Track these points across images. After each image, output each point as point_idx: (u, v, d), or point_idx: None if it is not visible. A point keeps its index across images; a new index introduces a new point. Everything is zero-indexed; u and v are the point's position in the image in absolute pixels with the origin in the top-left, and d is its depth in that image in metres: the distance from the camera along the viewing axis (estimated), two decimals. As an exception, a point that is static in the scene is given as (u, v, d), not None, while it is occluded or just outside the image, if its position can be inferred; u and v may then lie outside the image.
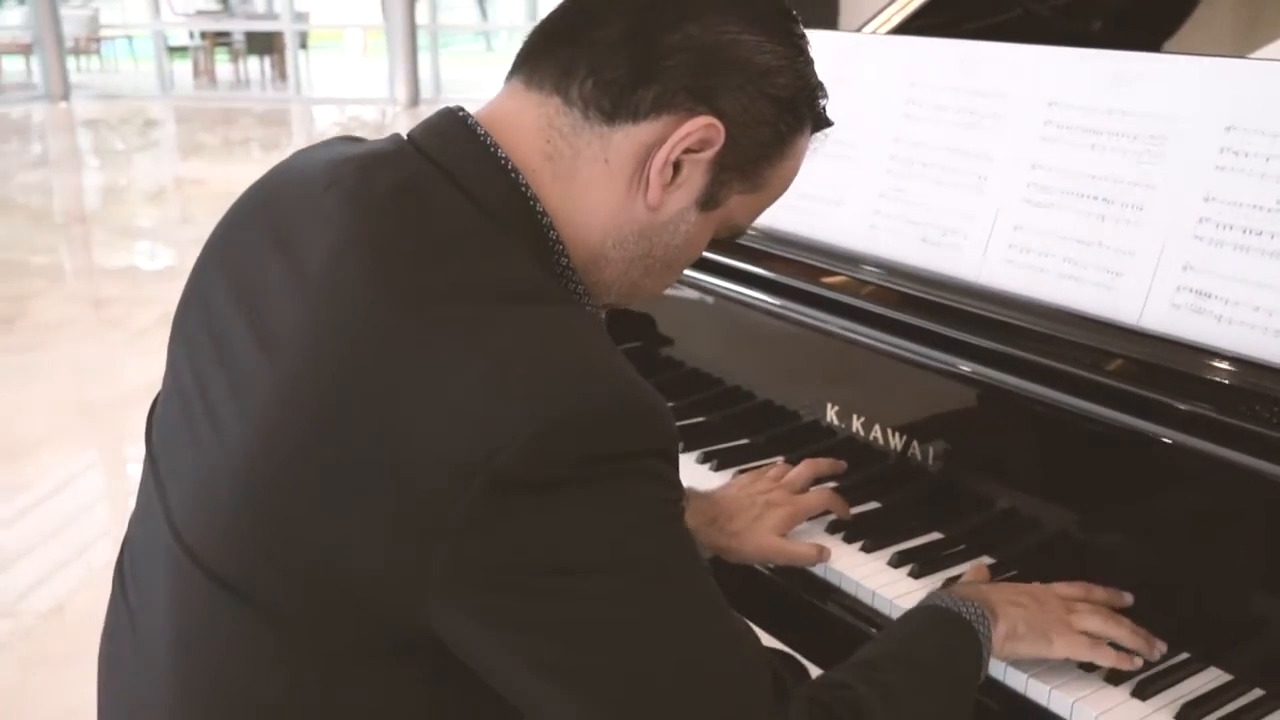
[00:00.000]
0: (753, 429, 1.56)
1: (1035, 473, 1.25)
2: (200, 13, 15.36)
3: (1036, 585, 1.13)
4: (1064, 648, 1.06)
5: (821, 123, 0.96)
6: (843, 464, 1.38)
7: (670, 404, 1.67)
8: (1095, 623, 1.07)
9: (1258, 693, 1.05)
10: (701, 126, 0.87)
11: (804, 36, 0.93)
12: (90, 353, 4.50)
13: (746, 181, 0.93)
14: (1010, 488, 1.26)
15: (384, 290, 0.79)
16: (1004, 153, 1.37)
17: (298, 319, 0.81)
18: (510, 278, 0.82)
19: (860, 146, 1.54)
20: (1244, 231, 1.14)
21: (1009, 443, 1.27)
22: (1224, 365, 1.10)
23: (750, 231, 1.38)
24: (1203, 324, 1.15)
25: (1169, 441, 1.08)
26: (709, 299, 1.60)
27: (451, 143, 0.87)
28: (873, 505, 1.38)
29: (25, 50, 13.26)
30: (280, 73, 13.68)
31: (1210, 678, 1.07)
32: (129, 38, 16.25)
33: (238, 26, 14.07)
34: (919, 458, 1.32)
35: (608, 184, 0.88)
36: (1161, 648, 1.09)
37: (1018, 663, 1.08)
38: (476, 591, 0.75)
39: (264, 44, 14.00)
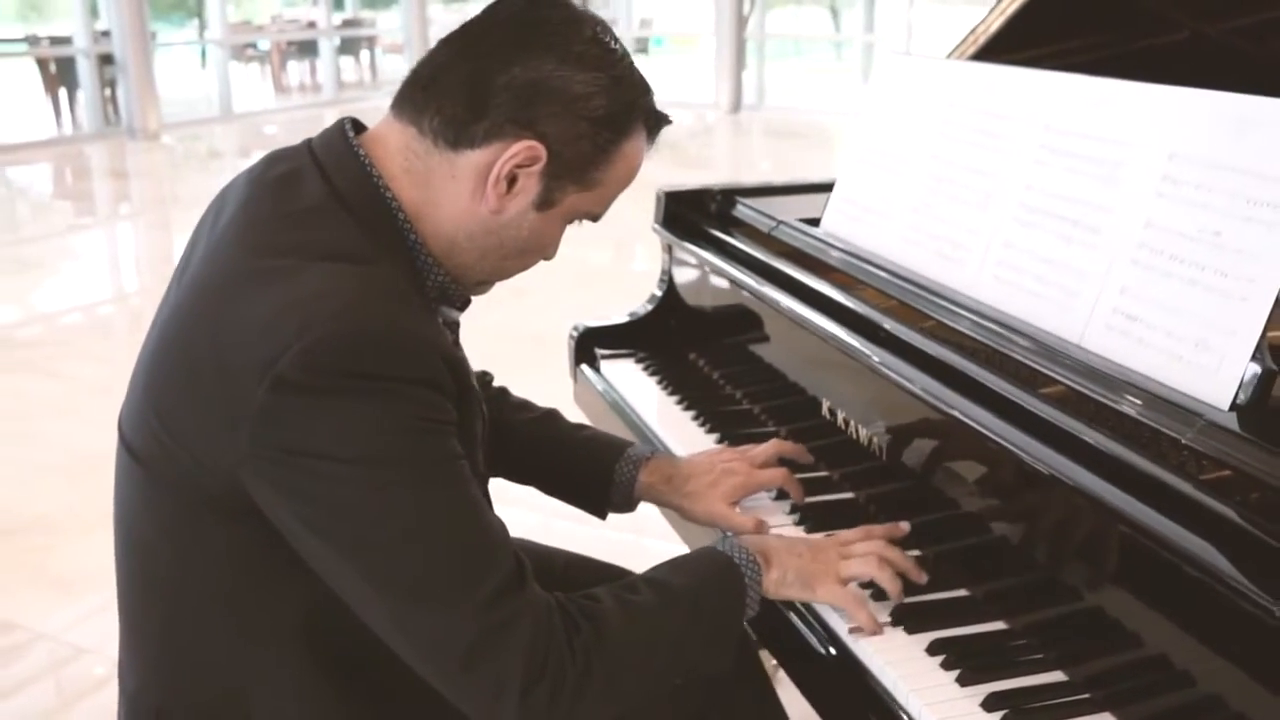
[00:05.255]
0: (779, 420, 1.68)
1: (984, 487, 1.29)
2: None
3: (822, 538, 1.26)
4: (825, 595, 1.19)
5: (657, 124, 1.15)
6: (809, 456, 1.48)
7: (732, 389, 1.81)
8: (857, 568, 1.20)
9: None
10: (523, 148, 1.08)
11: (618, 62, 1.11)
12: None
13: (580, 184, 1.13)
14: (958, 498, 1.31)
15: (243, 245, 1.06)
16: (1007, 173, 1.42)
17: (197, 262, 1.11)
18: (336, 244, 1.05)
19: (908, 162, 1.62)
20: (1170, 258, 1.17)
21: (966, 458, 1.32)
22: (1124, 390, 1.12)
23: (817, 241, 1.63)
24: (1125, 345, 1.18)
25: (1068, 476, 1.10)
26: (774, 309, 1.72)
27: (331, 147, 1.12)
28: (846, 495, 1.48)
29: (399, 50, 14.78)
30: (618, 76, 14.47)
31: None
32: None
33: (582, 32, 14.99)
34: (887, 459, 1.40)
35: (456, 194, 1.10)
36: (921, 580, 1.22)
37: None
38: (268, 465, 0.98)
39: (608, 48, 14.82)
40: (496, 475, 1.37)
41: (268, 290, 1.00)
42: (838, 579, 1.19)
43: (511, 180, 1.09)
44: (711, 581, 1.14)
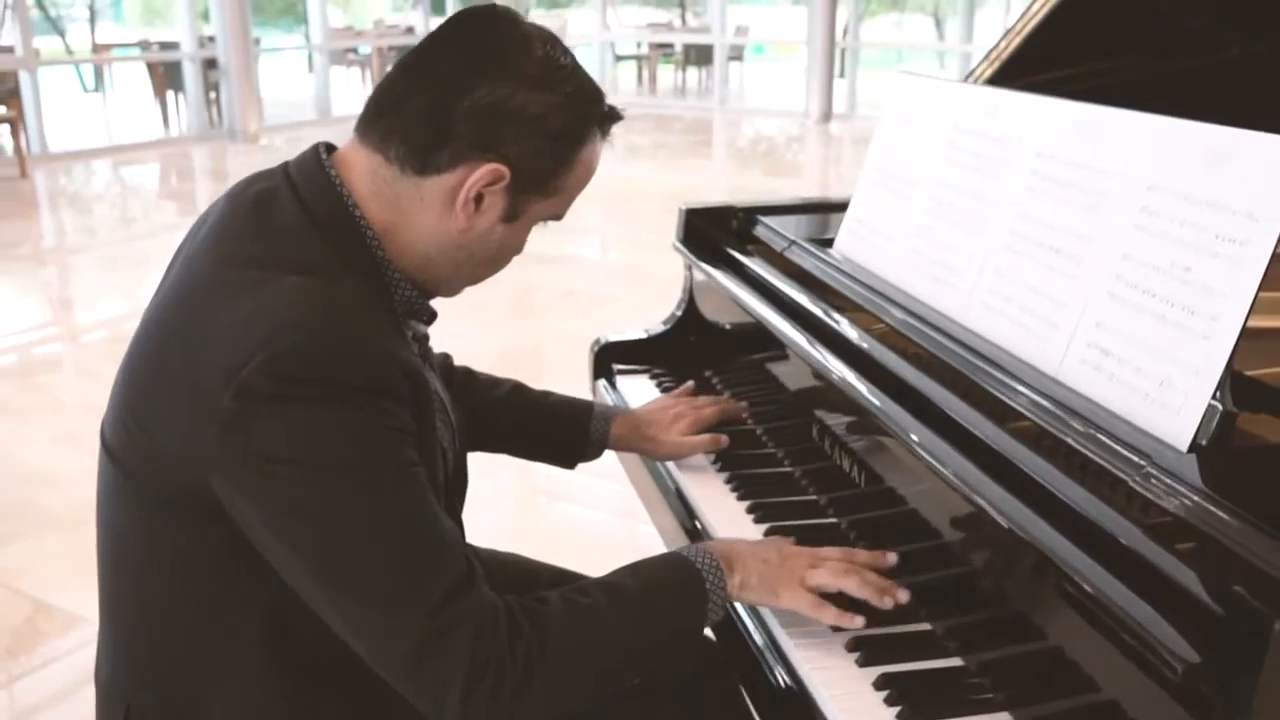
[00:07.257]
0: (779, 443, 1.67)
1: (951, 524, 1.26)
2: (651, 25, 16.56)
3: (796, 547, 1.26)
4: (789, 601, 1.20)
5: (609, 123, 1.18)
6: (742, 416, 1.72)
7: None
8: (824, 577, 1.20)
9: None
10: (487, 171, 1.12)
11: (569, 78, 1.14)
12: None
13: (542, 193, 1.17)
14: (931, 532, 1.30)
15: (216, 257, 1.11)
16: (1001, 198, 1.40)
17: (175, 274, 1.16)
18: (305, 259, 1.08)
19: (914, 184, 1.60)
20: (1144, 293, 1.13)
21: (937, 494, 1.30)
22: (1086, 430, 1.10)
23: (821, 263, 1.69)
24: (1097, 380, 1.15)
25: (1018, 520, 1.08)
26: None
27: (305, 168, 1.16)
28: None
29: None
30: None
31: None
32: (588, 45, 17.85)
33: (676, 39, 15.04)
34: (865, 486, 1.39)
35: (424, 215, 1.14)
36: (901, 598, 1.20)
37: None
38: (234, 469, 1.02)
39: (705, 55, 14.89)
40: (473, 450, 1.43)
41: (237, 300, 1.04)
42: (802, 585, 1.20)
43: (478, 199, 1.13)
44: (668, 585, 1.16)
